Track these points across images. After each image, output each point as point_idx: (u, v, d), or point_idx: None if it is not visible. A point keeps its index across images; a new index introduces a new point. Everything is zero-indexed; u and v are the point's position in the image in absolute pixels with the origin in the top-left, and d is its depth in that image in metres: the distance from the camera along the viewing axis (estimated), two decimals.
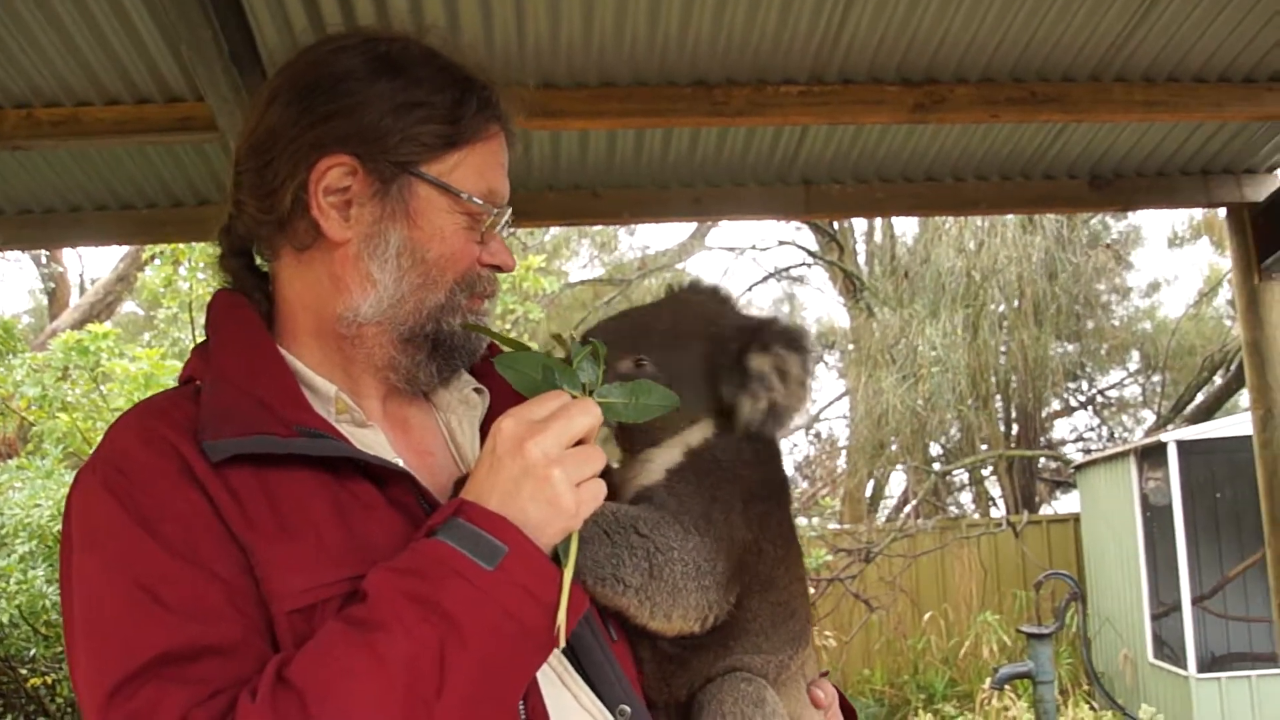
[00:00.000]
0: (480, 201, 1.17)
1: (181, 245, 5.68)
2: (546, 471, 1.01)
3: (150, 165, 3.41)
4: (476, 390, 1.31)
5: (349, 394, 1.18)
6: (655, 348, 1.28)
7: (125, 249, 8.80)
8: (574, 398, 1.08)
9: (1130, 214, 13.32)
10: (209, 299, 1.26)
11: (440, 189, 1.15)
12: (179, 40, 2.53)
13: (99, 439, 1.15)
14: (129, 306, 13.30)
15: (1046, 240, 9.91)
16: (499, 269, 1.24)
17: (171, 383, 5.81)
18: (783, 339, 1.28)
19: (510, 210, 1.21)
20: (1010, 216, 9.91)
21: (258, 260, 1.25)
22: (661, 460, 1.26)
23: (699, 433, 1.26)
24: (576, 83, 3.05)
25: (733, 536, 1.22)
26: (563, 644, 1.01)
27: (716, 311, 1.37)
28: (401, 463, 1.15)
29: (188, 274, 6.01)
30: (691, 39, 2.90)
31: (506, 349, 1.18)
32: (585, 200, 3.68)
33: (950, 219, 10.36)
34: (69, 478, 5.16)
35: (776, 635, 1.27)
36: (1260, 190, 3.88)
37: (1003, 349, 11.19)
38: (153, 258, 6.39)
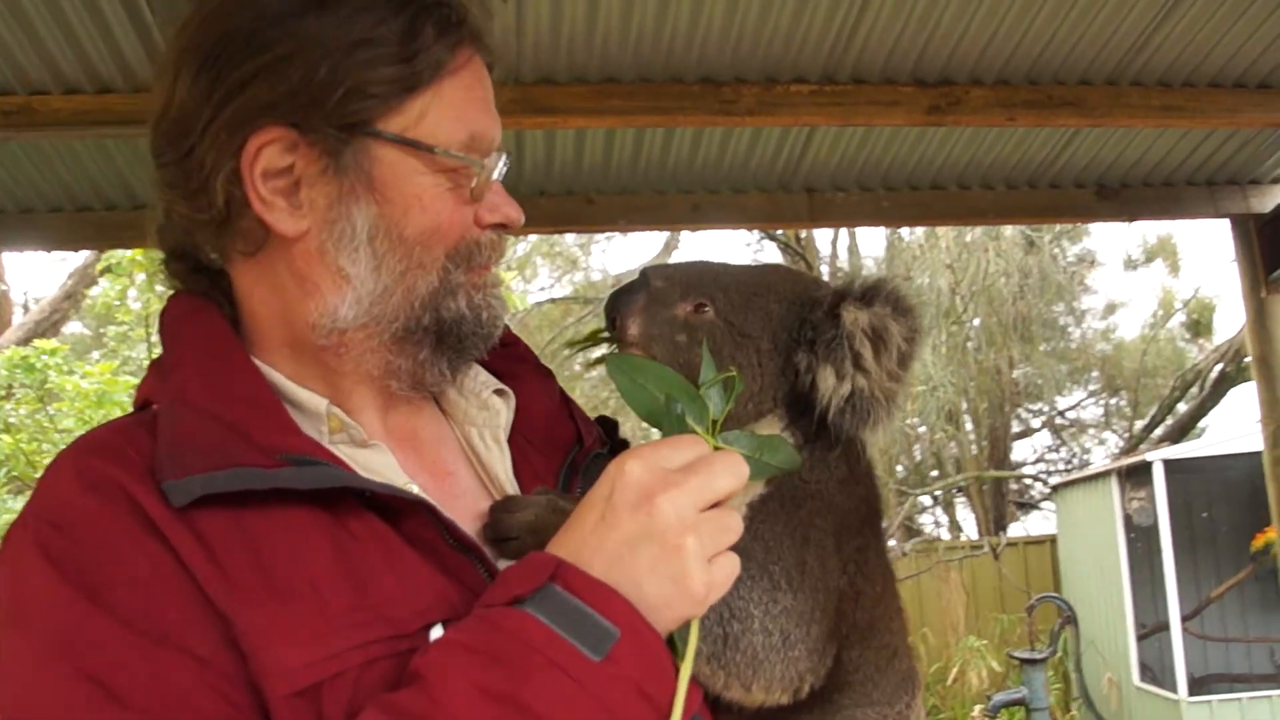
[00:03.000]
0: (461, 155, 0.92)
1: (140, 256, 5.39)
2: (679, 540, 0.79)
3: (110, 162, 3.16)
4: (498, 393, 1.08)
5: (342, 409, 0.95)
6: (723, 292, 1.06)
7: (73, 265, 8.46)
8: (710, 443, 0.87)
9: (1087, 235, 13.44)
10: (163, 305, 1.02)
11: (408, 147, 0.91)
12: (150, 19, 2.31)
13: (46, 462, 0.90)
14: (75, 326, 12.85)
15: (1019, 259, 9.93)
16: (504, 227, 0.99)
17: (126, 401, 5.55)
18: (890, 299, 1.03)
19: (505, 155, 0.97)
20: (979, 233, 9.91)
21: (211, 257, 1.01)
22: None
23: (768, 431, 1.02)
24: (576, 78, 2.88)
25: (828, 586, 1.00)
26: None
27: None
28: (416, 488, 0.93)
29: (145, 287, 5.72)
30: (701, 34, 2.76)
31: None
32: (579, 206, 3.51)
33: (919, 238, 10.35)
34: (13, 504, 4.84)
35: (885, 681, 1.07)
36: (1266, 201, 3.82)
37: (963, 368, 11.17)
38: (105, 270, 6.08)
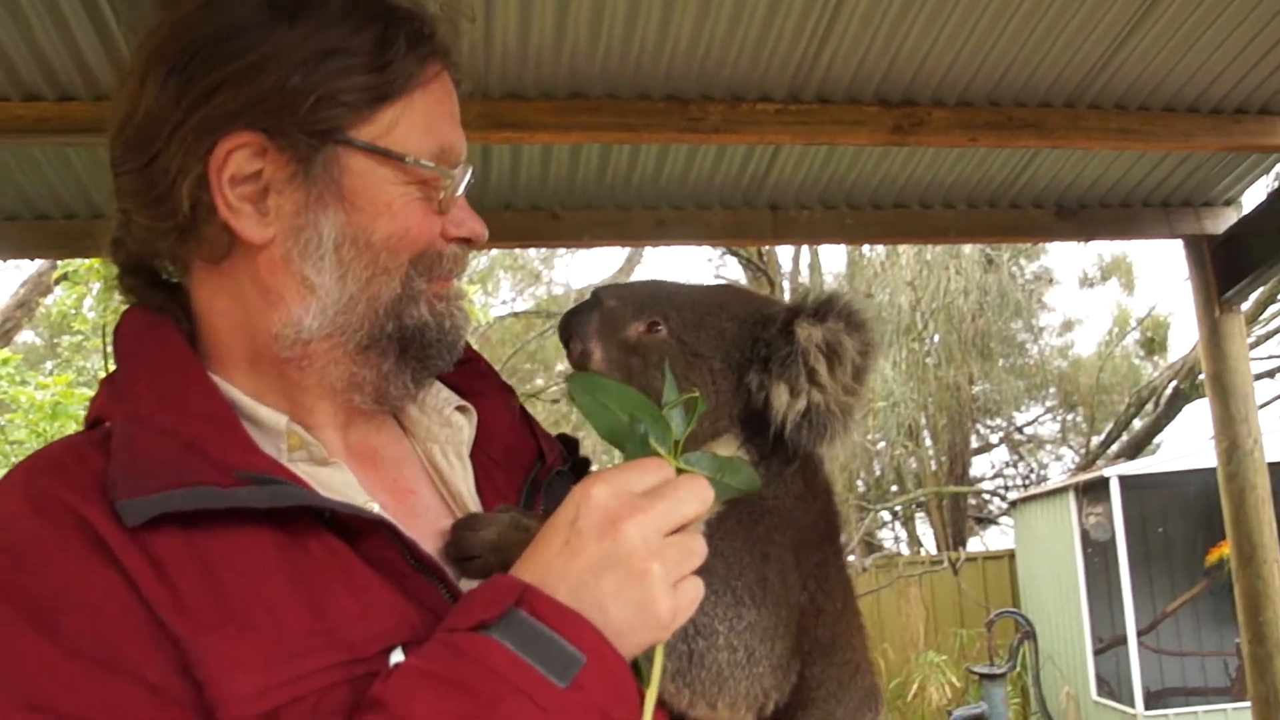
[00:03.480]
0: (431, 164, 0.93)
1: (99, 264, 5.30)
2: (645, 565, 0.79)
3: (70, 171, 3.10)
4: (460, 409, 1.07)
5: (303, 425, 0.94)
6: (675, 311, 1.07)
7: (26, 273, 8.30)
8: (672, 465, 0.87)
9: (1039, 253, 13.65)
10: (117, 319, 1.00)
11: (379, 156, 0.91)
12: (115, 27, 2.27)
13: None
14: (27, 336, 12.60)
15: (978, 277, 10.08)
16: (469, 242, 1.00)
17: (82, 413, 5.44)
18: (843, 314, 1.04)
19: (470, 169, 0.98)
20: (939, 251, 10.03)
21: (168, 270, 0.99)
22: None
23: (725, 450, 1.04)
24: (544, 93, 2.88)
25: (790, 601, 1.01)
26: None
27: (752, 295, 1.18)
28: (377, 507, 0.92)
29: (102, 296, 5.63)
30: (668, 52, 2.76)
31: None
32: (544, 221, 3.50)
33: (880, 255, 10.45)
34: None
35: (848, 698, 1.07)
36: (1219, 223, 3.89)
37: (923, 384, 11.29)
38: (61, 278, 5.97)
